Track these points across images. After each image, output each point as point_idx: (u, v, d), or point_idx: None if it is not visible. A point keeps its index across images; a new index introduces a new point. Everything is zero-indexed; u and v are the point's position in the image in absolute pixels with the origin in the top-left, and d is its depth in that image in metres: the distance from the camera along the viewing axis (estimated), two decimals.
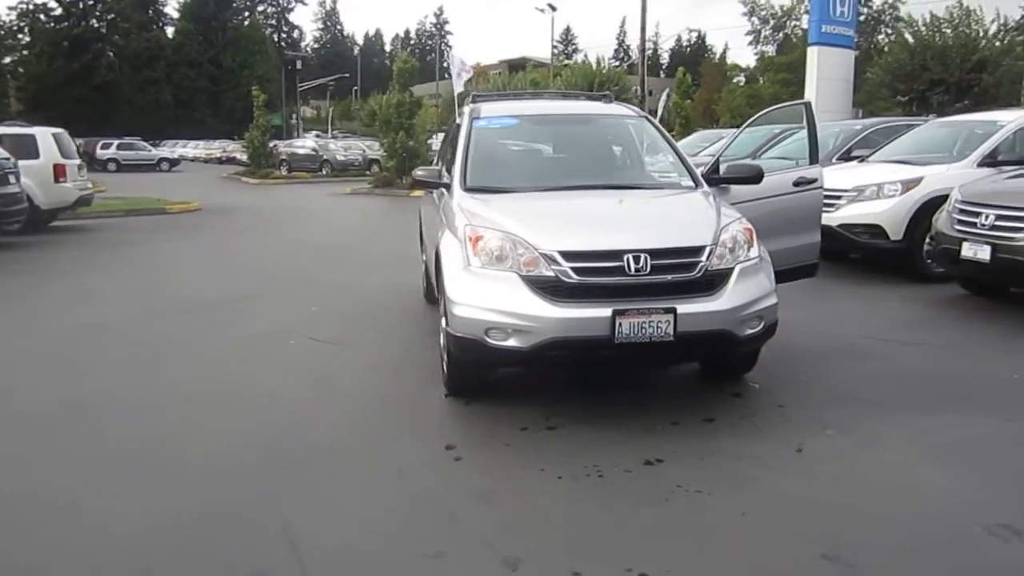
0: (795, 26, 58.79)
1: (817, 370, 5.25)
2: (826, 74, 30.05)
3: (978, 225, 6.48)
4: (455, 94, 6.19)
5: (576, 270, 4.16)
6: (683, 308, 4.13)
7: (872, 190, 8.12)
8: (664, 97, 40.63)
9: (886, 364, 5.42)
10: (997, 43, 28.71)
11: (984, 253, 6.37)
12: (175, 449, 4.09)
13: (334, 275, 9.18)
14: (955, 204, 6.88)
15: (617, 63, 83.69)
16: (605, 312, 4.08)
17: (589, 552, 3.06)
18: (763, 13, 59.26)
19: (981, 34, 28.89)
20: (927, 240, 7.83)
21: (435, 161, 7.43)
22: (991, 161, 8.03)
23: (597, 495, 3.56)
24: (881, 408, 4.54)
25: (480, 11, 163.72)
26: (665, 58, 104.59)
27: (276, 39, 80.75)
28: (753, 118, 6.48)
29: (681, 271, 4.24)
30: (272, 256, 11.00)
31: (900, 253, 8.05)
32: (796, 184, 5.90)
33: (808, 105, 6.18)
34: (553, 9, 45.39)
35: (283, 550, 3.06)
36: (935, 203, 7.81)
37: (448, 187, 5.29)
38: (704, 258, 4.28)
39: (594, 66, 47.95)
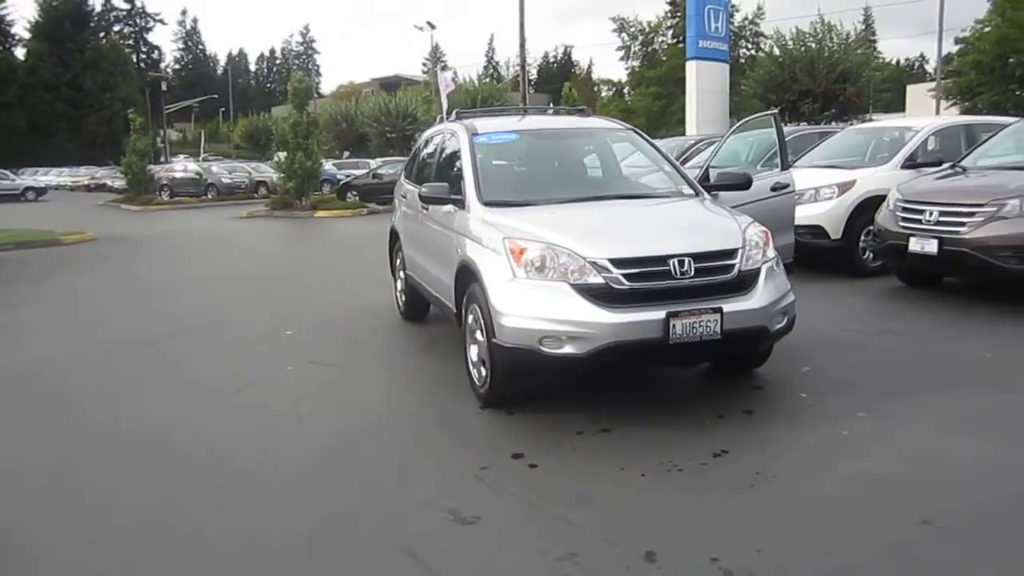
0: (663, 41, 61.41)
1: (812, 362, 5.58)
2: (705, 87, 31.62)
3: (923, 221, 7.07)
4: (444, 110, 6.26)
5: (627, 276, 4.32)
6: (728, 307, 4.37)
7: (810, 194, 8.67)
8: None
9: (869, 352, 5.84)
10: (857, 55, 31.01)
11: (931, 247, 6.96)
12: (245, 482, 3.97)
13: (287, 299, 8.96)
14: (897, 203, 7.48)
15: (488, 79, 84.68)
16: (659, 315, 4.26)
17: (710, 539, 3.21)
18: (632, 29, 61.61)
19: (843, 48, 31.13)
20: (864, 237, 8.49)
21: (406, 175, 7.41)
22: (912, 164, 8.76)
23: (686, 488, 3.72)
24: (889, 391, 4.91)
25: (350, 29, 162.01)
26: (533, 74, 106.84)
27: (136, 60, 77.13)
28: (732, 129, 6.87)
29: (720, 273, 4.48)
30: (208, 284, 10.59)
31: (840, 251, 8.64)
32: (773, 189, 6.30)
33: (776, 116, 6.60)
34: (432, 27, 45.62)
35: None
36: (868, 204, 8.49)
37: (460, 203, 5.34)
38: (737, 260, 4.54)
39: (476, 84, 48.34)
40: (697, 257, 4.42)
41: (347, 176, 29.99)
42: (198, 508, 3.65)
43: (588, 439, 4.32)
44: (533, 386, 4.85)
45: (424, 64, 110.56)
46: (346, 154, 48.83)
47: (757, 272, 4.62)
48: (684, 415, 4.62)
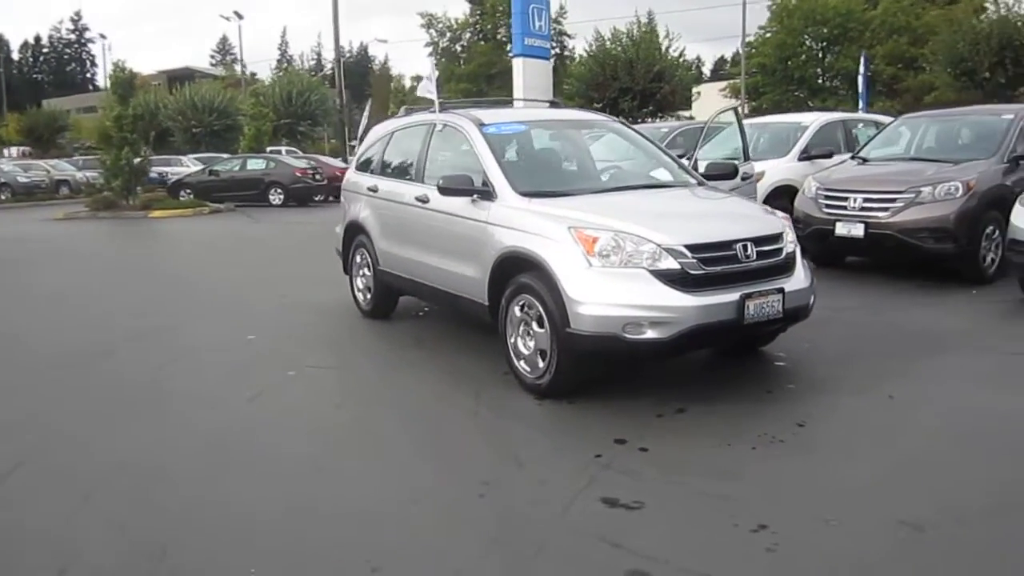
0: (470, 38, 62.17)
1: (808, 337, 5.91)
2: (531, 84, 32.13)
3: (848, 208, 7.80)
4: (437, 102, 6.03)
5: (702, 261, 4.48)
6: (787, 287, 4.67)
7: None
8: (366, 113, 41.39)
9: (848, 326, 6.38)
10: (670, 56, 33.14)
11: (858, 230, 7.70)
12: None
13: (214, 304, 8.33)
14: (818, 192, 8.18)
15: (280, 73, 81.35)
16: (733, 297, 4.47)
17: (876, 500, 3.45)
18: (440, 26, 61.95)
19: (658, 48, 33.14)
20: None
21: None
22: (807, 156, 9.60)
23: (799, 456, 3.96)
24: (899, 358, 5.42)
25: (128, 18, 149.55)
26: (329, 68, 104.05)
27: None
28: (709, 119, 7.22)
29: (773, 256, 4.77)
30: (107, 290, 9.57)
31: None
32: (744, 179, 6.72)
33: (736, 109, 7.02)
34: (240, 17, 43.45)
35: None
36: (778, 191, 9.21)
37: (486, 194, 5.27)
38: (784, 243, 4.85)
39: (295, 77, 46.54)
40: (756, 241, 4.67)
41: (164, 174, 27.96)
42: (384, 550, 3.29)
43: (672, 420, 4.45)
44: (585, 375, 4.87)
45: (212, 57, 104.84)
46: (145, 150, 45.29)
47: (794, 254, 4.95)
48: (738, 393, 4.86)
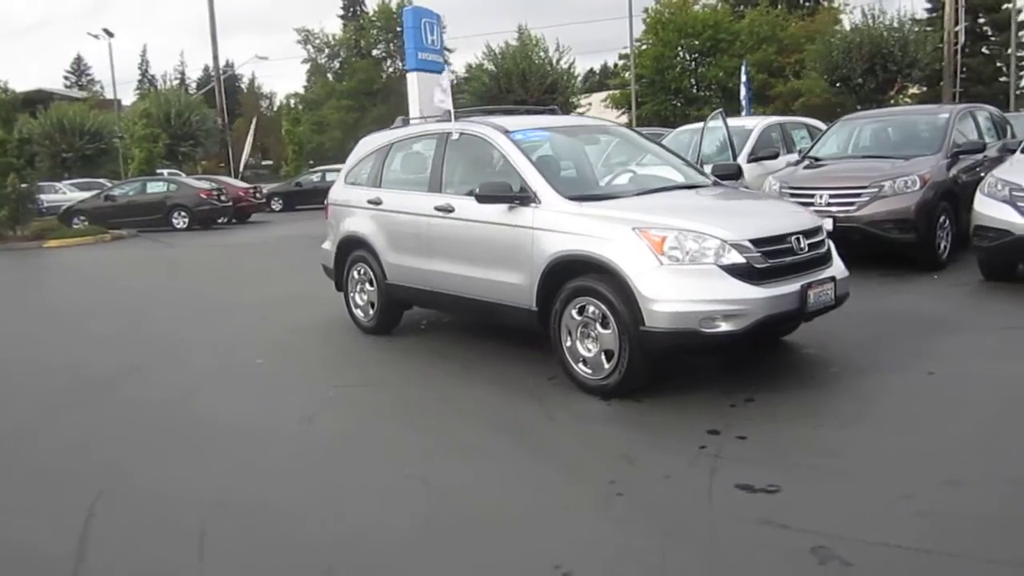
0: (347, 55, 61.35)
1: (817, 327, 6.21)
2: (426, 98, 32.23)
3: (816, 204, 8.23)
4: (452, 113, 5.89)
5: (766, 254, 4.67)
6: (838, 276, 4.93)
7: None
8: (251, 133, 40.78)
9: (844, 315, 6.47)
10: (561, 67, 33.88)
11: (827, 225, 8.11)
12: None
13: (198, 328, 7.93)
14: (781, 190, 8.60)
15: (152, 93, 77.56)
16: (795, 287, 4.69)
17: (955, 468, 3.71)
18: (317, 41, 60.90)
19: (548, 61, 33.81)
20: None
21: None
22: (755, 157, 10.09)
23: (884, 430, 4.21)
24: (915, 340, 5.78)
25: None
26: (193, 87, 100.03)
27: None
28: (704, 124, 7.46)
29: (818, 247, 5.03)
30: (65, 322, 8.92)
31: None
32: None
33: (722, 112, 7.32)
34: (110, 35, 41.29)
35: None
36: None
37: (525, 199, 5.29)
38: (823, 235, 5.12)
39: (173, 96, 44.43)
40: (806, 234, 4.92)
41: (40, 202, 26.12)
42: (568, 552, 3.20)
43: (748, 409, 4.61)
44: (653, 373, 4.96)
45: (67, 78, 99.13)
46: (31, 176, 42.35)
47: (830, 246, 5.23)
48: (791, 380, 5.13)
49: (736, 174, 6.37)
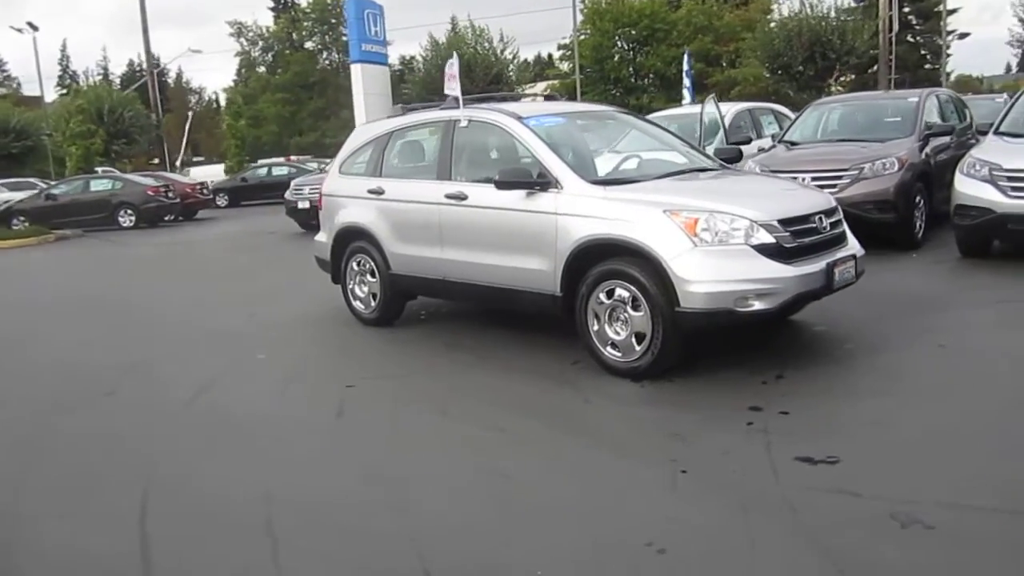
0: (283, 47, 60.09)
1: (820, 306, 6.34)
2: (370, 90, 32.04)
3: None
4: (460, 100, 5.74)
5: (794, 234, 4.78)
6: (858, 254, 5.08)
7: None
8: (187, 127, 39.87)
9: (842, 294, 6.86)
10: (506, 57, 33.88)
11: None
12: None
13: (181, 332, 7.70)
14: (763, 173, 8.77)
15: (64, 91, 74.49)
16: (822, 265, 4.81)
17: (995, 430, 3.88)
18: (250, 34, 59.54)
19: (492, 51, 33.76)
20: None
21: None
22: (730, 142, 10.22)
23: (921, 400, 4.38)
24: (914, 316, 5.98)
25: None
26: (117, 83, 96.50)
27: None
28: (702, 108, 7.54)
29: (837, 226, 5.16)
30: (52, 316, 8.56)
31: None
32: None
33: (714, 97, 7.43)
34: (35, 28, 39.57)
35: None
36: None
37: (544, 185, 5.29)
38: (840, 215, 5.25)
39: (104, 92, 42.84)
40: (827, 213, 5.05)
41: None
42: (659, 532, 3.29)
43: (781, 385, 4.71)
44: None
45: None
46: None
47: (845, 224, 5.38)
48: (814, 356, 5.28)
49: (736, 158, 6.48)
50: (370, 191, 6.66)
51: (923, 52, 47.11)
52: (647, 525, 3.21)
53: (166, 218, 21.26)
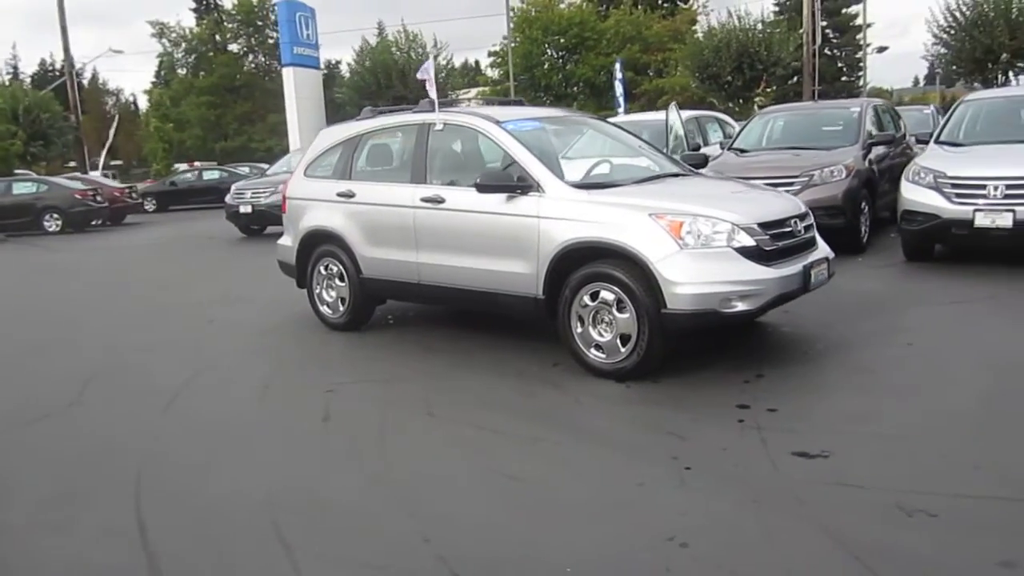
0: (206, 49, 58.64)
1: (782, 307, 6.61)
2: (303, 93, 31.85)
3: None
4: (436, 103, 5.61)
5: (773, 237, 4.94)
6: (830, 257, 5.28)
7: None
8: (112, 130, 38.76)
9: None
10: (440, 64, 33.75)
11: None
12: None
13: (134, 337, 7.46)
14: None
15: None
16: (799, 267, 4.99)
17: (981, 418, 4.10)
18: (173, 36, 57.86)
19: (431, 57, 33.61)
20: None
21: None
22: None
23: (903, 394, 4.55)
24: (876, 317, 6.24)
25: None
26: (28, 83, 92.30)
27: None
28: (667, 115, 7.68)
29: (809, 230, 5.35)
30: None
31: None
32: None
33: (676, 105, 7.61)
34: None
35: None
36: None
37: (527, 188, 5.33)
38: (812, 219, 5.45)
39: (20, 92, 40.94)
40: (801, 217, 5.23)
41: None
42: (683, 527, 3.39)
43: (763, 383, 4.86)
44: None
45: None
46: None
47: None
48: (788, 356, 5.45)
49: (703, 163, 6.65)
50: (339, 194, 6.59)
51: (839, 65, 48.98)
52: (664, 520, 3.28)
53: (93, 223, 20.54)
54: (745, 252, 4.81)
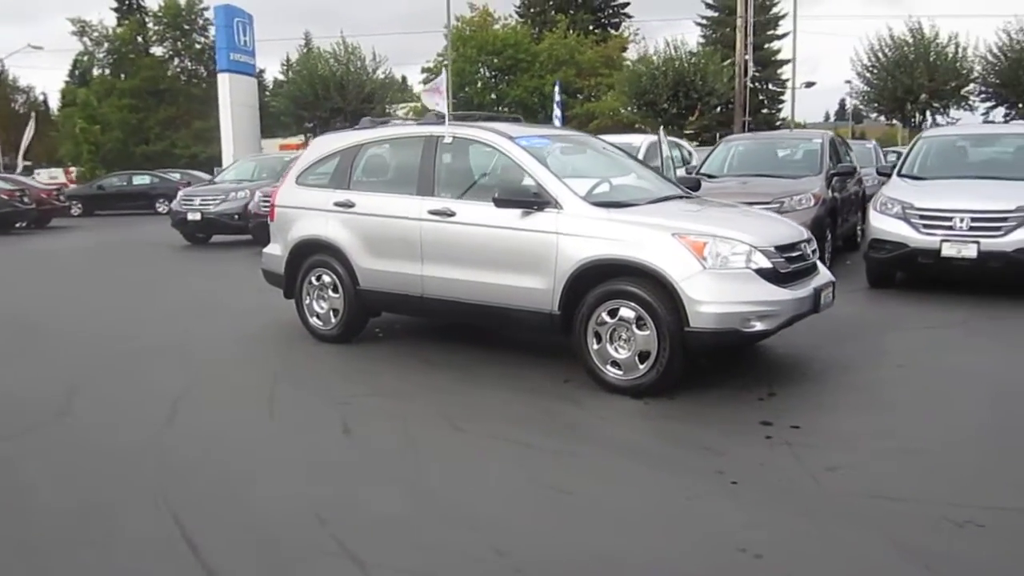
0: (128, 51, 56.68)
1: None
2: (238, 100, 31.25)
3: None
4: (448, 115, 5.55)
5: (788, 259, 5.13)
6: (834, 281, 5.52)
7: None
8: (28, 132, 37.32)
9: None
10: (378, 78, 33.65)
11: None
12: None
13: (105, 349, 7.16)
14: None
15: None
16: (810, 289, 5.20)
17: (986, 434, 4.35)
18: (95, 35, 55.75)
19: (369, 70, 33.45)
20: None
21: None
22: None
23: (912, 412, 4.76)
24: (859, 341, 6.49)
25: None
26: None
27: None
28: (658, 139, 7.82)
29: (814, 254, 5.57)
30: None
31: None
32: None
33: (661, 130, 7.80)
34: None
35: None
36: None
37: (543, 204, 5.39)
38: (815, 244, 5.68)
39: None
40: (808, 241, 5.45)
41: None
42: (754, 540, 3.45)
43: (777, 401, 5.01)
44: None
45: None
46: None
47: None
48: (792, 375, 5.63)
49: (697, 187, 6.84)
50: (337, 203, 6.50)
51: (760, 98, 50.92)
52: (729, 533, 3.35)
53: (17, 225, 19.58)
54: (763, 273, 4.98)
